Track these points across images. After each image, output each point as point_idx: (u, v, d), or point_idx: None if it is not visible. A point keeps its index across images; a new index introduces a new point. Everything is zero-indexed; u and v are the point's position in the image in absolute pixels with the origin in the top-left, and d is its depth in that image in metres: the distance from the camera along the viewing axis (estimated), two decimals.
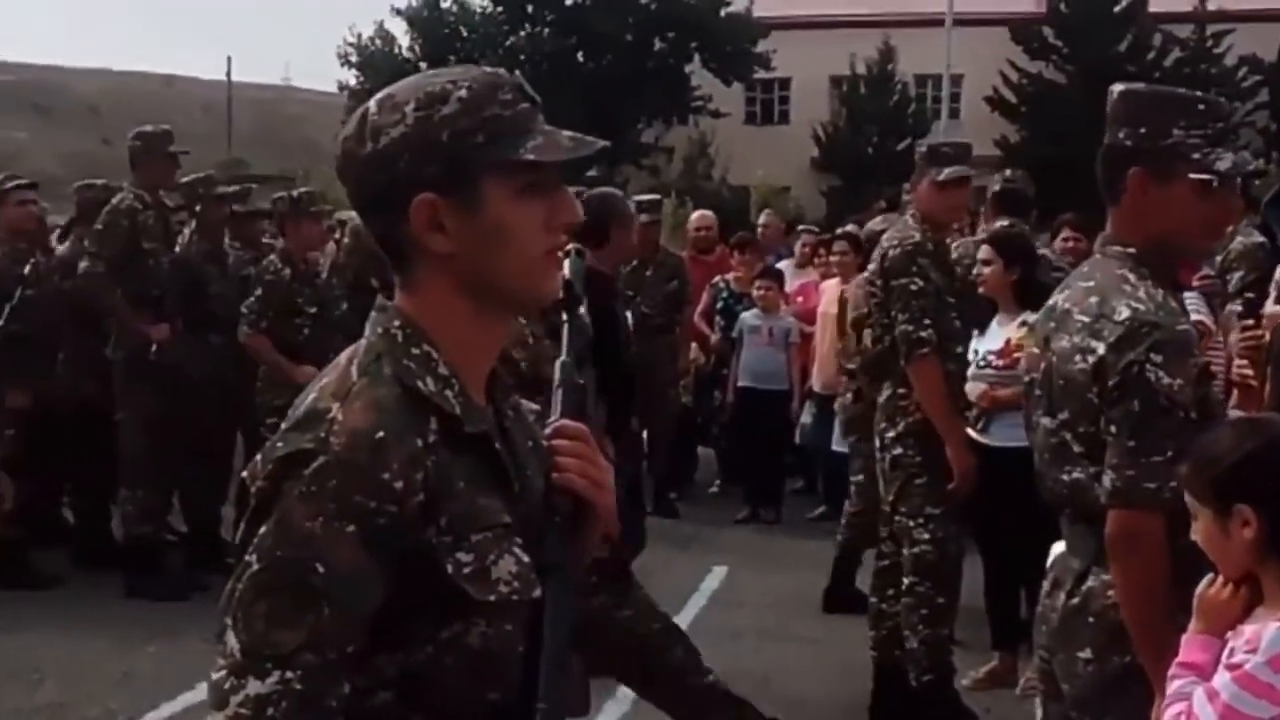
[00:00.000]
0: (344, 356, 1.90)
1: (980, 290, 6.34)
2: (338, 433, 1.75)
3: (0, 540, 6.07)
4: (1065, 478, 3.16)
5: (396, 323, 1.88)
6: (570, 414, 2.01)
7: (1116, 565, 3.00)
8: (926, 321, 5.63)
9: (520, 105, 1.87)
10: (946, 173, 5.83)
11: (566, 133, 1.89)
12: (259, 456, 1.81)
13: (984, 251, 6.30)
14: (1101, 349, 3.00)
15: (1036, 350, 3.33)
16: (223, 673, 1.71)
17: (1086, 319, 3.08)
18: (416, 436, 1.79)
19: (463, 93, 1.83)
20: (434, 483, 1.79)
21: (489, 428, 1.90)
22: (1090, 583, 3.13)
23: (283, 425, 1.83)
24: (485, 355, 1.94)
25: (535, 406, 2.08)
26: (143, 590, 7.83)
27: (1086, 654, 3.12)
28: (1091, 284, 3.15)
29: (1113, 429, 2.98)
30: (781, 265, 11.36)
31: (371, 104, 1.88)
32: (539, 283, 1.91)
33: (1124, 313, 2.99)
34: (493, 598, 1.81)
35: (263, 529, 1.74)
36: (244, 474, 1.83)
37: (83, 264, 7.82)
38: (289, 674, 1.69)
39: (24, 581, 7.64)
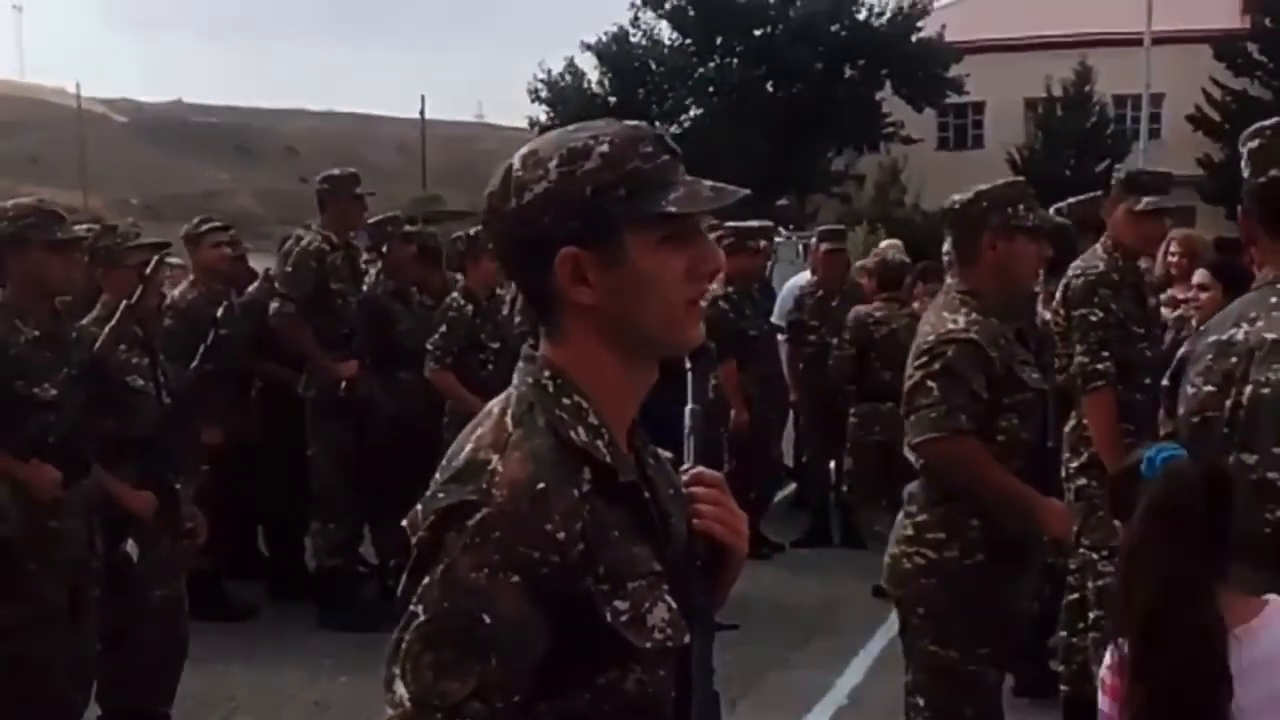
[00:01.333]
0: (495, 406, 1.93)
1: (1194, 318, 6.14)
2: (499, 484, 1.78)
3: (195, 572, 6.21)
4: (1269, 516, 3.02)
5: (546, 373, 1.91)
6: (703, 460, 2.02)
7: None
8: (1104, 354, 5.50)
9: (661, 158, 1.88)
10: (1145, 203, 5.69)
11: (708, 183, 1.90)
12: (419, 506, 1.84)
13: (1200, 276, 6.10)
14: None
15: (1213, 388, 3.17)
16: None
17: None
18: (573, 487, 1.82)
19: (604, 148, 1.85)
20: (591, 532, 1.81)
21: (636, 476, 1.91)
22: None
23: (438, 476, 1.86)
24: (630, 403, 1.96)
25: (668, 454, 2.08)
26: (335, 621, 7.96)
27: None
28: None
29: None
30: None
31: (515, 160, 1.91)
32: (682, 331, 1.92)
33: None
34: (649, 645, 1.83)
35: (426, 580, 1.77)
36: (404, 523, 1.85)
37: (273, 304, 8.01)
38: None
39: (219, 613, 7.81)
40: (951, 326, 4.35)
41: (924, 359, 4.36)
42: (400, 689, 1.73)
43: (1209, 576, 2.65)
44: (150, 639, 5.65)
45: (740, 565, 2.00)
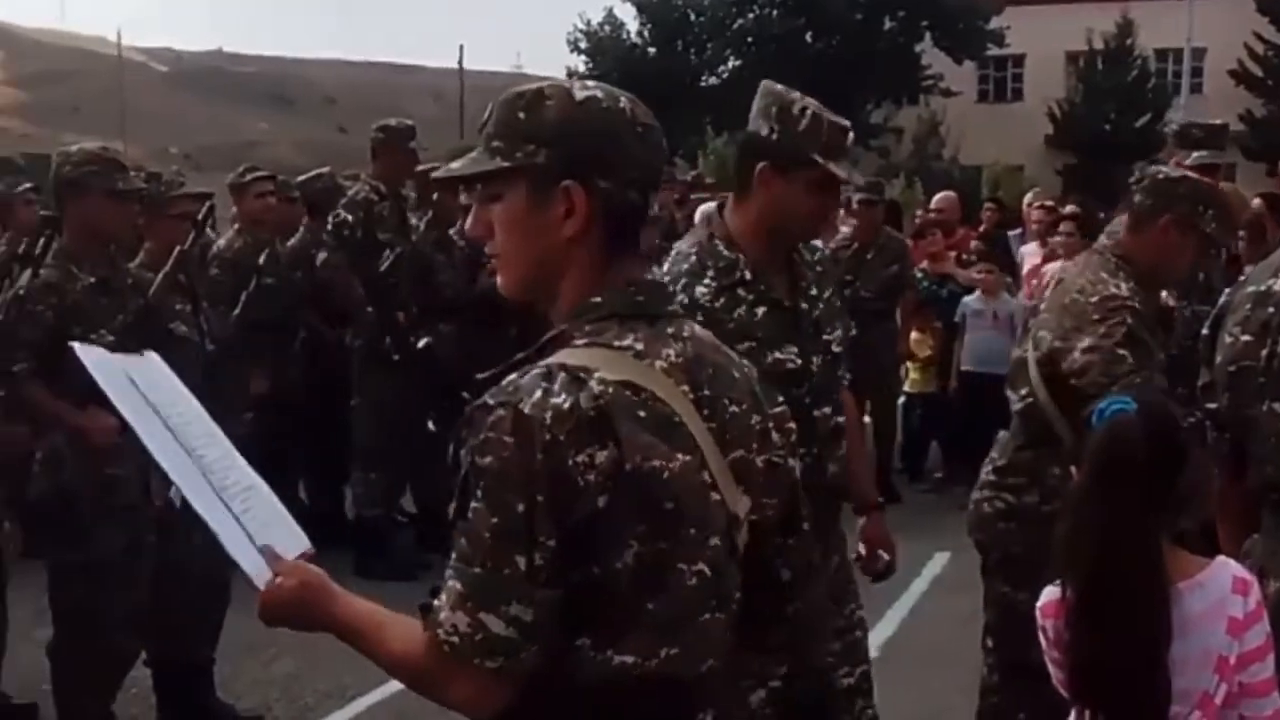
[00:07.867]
0: None
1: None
2: None
3: None
4: None
5: None
6: None
7: None
8: None
9: None
10: (1194, 157, 5.67)
11: None
12: None
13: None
14: None
15: (1250, 338, 3.21)
16: None
17: None
18: None
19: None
20: None
21: None
22: None
23: None
24: None
25: None
26: (371, 570, 8.01)
27: None
28: None
29: None
30: (1026, 248, 11.05)
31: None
32: None
33: None
34: None
35: None
36: None
37: (321, 255, 8.05)
38: None
39: None
40: (1115, 291, 4.16)
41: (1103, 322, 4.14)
42: None
43: (1152, 529, 2.72)
44: (193, 584, 5.68)
45: None
